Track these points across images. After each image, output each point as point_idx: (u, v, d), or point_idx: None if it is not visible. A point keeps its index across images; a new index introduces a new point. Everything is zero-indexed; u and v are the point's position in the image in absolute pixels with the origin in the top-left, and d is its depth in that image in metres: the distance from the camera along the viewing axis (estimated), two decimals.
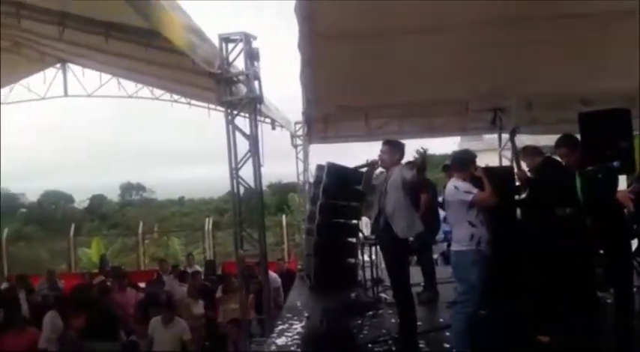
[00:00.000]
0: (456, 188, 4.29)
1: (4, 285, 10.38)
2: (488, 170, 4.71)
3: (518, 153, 5.92)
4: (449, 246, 7.34)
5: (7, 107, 11.52)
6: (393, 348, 4.90)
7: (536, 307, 4.57)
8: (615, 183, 4.27)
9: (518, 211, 5.71)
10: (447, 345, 4.67)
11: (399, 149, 4.93)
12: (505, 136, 8.38)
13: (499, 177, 4.65)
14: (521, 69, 6.22)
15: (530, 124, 7.92)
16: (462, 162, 4.55)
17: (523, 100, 7.37)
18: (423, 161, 4.48)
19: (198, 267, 11.98)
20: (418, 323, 5.46)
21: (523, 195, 5.52)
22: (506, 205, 5.07)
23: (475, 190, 4.25)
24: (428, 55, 5.79)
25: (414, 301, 5.04)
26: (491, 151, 10.64)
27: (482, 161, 5.91)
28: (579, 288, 4.38)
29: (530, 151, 5.45)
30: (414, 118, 8.67)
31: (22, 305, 8.85)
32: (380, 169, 5.04)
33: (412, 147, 4.79)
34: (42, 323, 7.03)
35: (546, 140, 5.47)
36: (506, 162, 8.57)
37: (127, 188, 47.10)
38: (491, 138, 10.48)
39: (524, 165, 5.47)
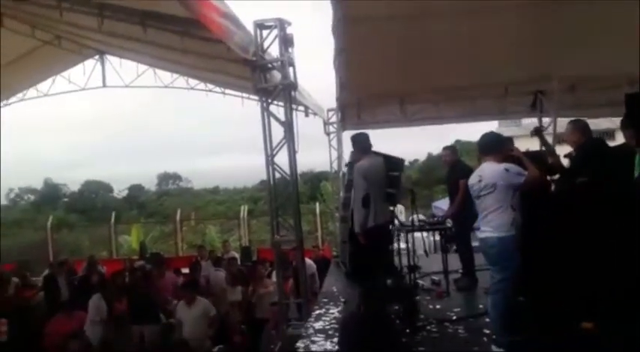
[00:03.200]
0: (506, 170, 4.05)
1: (47, 271, 10.72)
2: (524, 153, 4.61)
3: (550, 148, 5.71)
4: None
5: (50, 99, 11.91)
6: (432, 335, 4.86)
7: (580, 292, 4.43)
8: None
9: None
10: (487, 331, 4.61)
11: None
12: (546, 120, 8.15)
13: (535, 159, 4.52)
14: (566, 51, 6.03)
15: (573, 107, 7.67)
16: (497, 144, 4.33)
17: (565, 83, 7.13)
18: None
19: (234, 254, 12.13)
20: (457, 309, 5.47)
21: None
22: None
23: (525, 171, 4.09)
24: (467, 38, 5.66)
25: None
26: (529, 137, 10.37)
27: (521, 146, 5.76)
28: (625, 271, 4.23)
29: (580, 127, 4.91)
30: (452, 103, 8.49)
31: (61, 289, 9.20)
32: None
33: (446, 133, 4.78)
34: (80, 305, 7.31)
35: (592, 125, 5.17)
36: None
37: (164, 178, 48.11)
38: (531, 123, 10.22)
39: (560, 150, 5.25)
